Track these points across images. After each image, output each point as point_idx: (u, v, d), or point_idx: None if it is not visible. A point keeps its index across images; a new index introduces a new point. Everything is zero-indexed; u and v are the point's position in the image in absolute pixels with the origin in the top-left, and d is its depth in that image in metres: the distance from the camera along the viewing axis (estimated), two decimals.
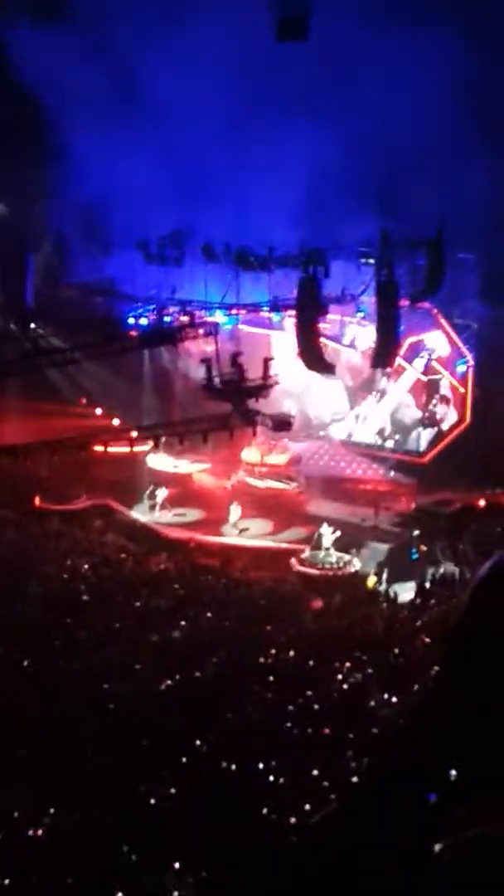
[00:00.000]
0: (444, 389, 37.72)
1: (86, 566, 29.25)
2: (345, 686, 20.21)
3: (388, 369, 35.06)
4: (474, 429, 36.35)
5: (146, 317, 35.14)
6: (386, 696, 19.03)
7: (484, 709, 3.54)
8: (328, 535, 31.85)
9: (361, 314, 35.28)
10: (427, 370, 37.77)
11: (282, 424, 31.09)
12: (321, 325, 31.49)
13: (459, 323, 36.33)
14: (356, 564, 31.32)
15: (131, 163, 30.29)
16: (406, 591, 28.53)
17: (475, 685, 3.59)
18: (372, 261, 29.96)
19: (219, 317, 34.10)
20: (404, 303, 30.53)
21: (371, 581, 29.78)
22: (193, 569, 30.23)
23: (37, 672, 20.40)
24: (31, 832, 14.32)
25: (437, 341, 37.25)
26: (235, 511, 34.79)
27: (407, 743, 3.84)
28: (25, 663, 20.83)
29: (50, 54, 29.15)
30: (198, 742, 16.79)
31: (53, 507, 34.66)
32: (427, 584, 28.77)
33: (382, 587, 29.26)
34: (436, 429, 37.91)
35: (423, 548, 31.36)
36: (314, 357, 30.87)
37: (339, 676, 20.68)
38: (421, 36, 27.43)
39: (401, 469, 38.04)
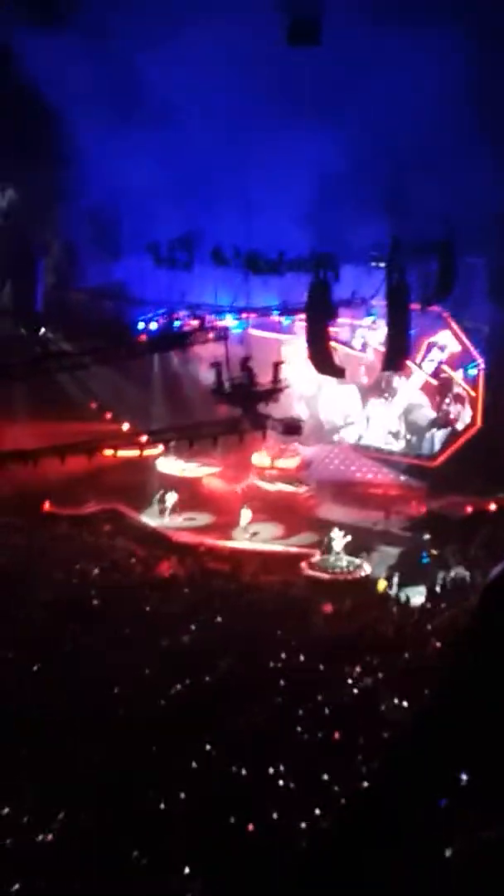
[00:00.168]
0: (458, 388, 37.60)
1: (95, 571, 29.23)
2: (355, 690, 20.12)
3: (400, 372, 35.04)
4: (485, 432, 36.24)
5: (156, 321, 35.14)
6: (397, 700, 18.92)
7: (494, 711, 3.50)
8: (339, 539, 31.78)
9: (372, 318, 35.21)
10: (438, 374, 37.70)
11: (292, 429, 31.00)
12: (331, 329, 31.43)
13: (470, 326, 36.23)
14: (367, 568, 31.26)
15: (140, 167, 30.31)
16: (417, 595, 28.46)
17: (485, 688, 3.54)
18: (382, 264, 29.92)
19: (229, 321, 34.06)
20: (415, 306, 30.49)
21: (382, 585, 29.71)
22: (203, 573, 30.20)
23: (46, 677, 20.33)
24: (39, 837, 14.26)
25: (448, 345, 37.16)
26: (246, 515, 34.75)
27: (417, 747, 3.80)
28: (35, 668, 20.77)
29: (58, 59, 29.16)
30: (207, 746, 16.72)
31: (62, 511, 34.67)
32: (438, 588, 28.68)
33: (393, 591, 29.18)
34: (450, 429, 37.78)
35: (434, 552, 31.25)
36: (325, 361, 30.83)
37: (350, 681, 20.59)
38: (428, 37, 27.36)
39: (411, 473, 37.96)
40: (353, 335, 37.93)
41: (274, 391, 28.81)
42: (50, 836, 14.24)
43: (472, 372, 36.66)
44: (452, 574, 29.37)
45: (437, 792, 3.75)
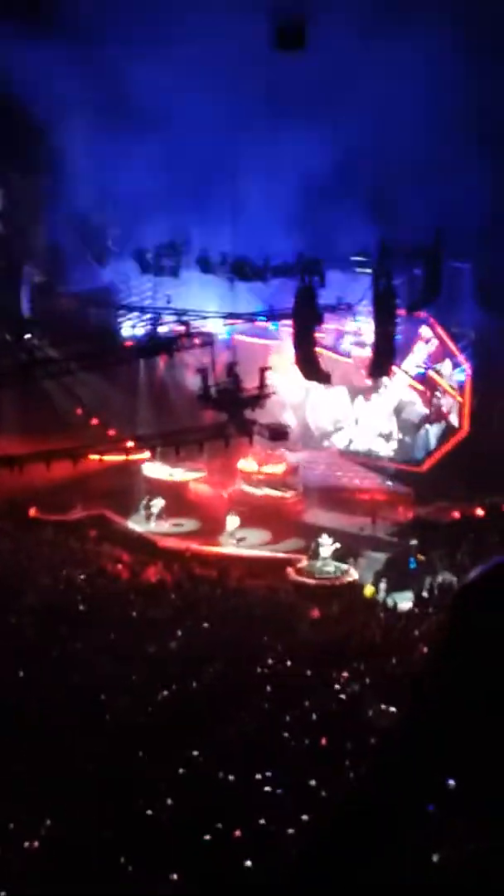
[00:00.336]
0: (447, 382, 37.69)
1: (81, 577, 29.13)
2: (342, 696, 20.11)
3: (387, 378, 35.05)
4: (472, 437, 36.27)
5: (142, 327, 35.12)
6: (384, 706, 18.90)
7: (477, 715, 3.49)
8: (327, 545, 31.74)
9: (358, 324, 35.23)
10: (425, 379, 37.73)
11: (278, 434, 31.02)
12: (318, 335, 31.42)
13: (456, 332, 36.27)
14: (354, 574, 31.23)
15: (127, 173, 30.27)
16: (404, 601, 28.44)
17: (466, 692, 3.53)
18: (368, 270, 29.96)
19: (215, 327, 34.05)
20: (401, 312, 30.51)
21: (369, 590, 29.68)
22: (190, 579, 30.12)
23: (32, 683, 20.25)
24: (27, 844, 14.19)
25: (432, 338, 37.19)
26: (232, 521, 34.69)
27: (404, 753, 3.78)
28: (20, 674, 20.69)
29: (44, 64, 29.11)
30: (194, 752, 16.68)
31: (49, 517, 34.58)
32: (425, 594, 28.67)
33: (380, 596, 29.16)
34: (444, 423, 37.75)
35: (421, 557, 31.24)
36: (311, 366, 30.85)
37: (337, 686, 20.58)
38: (417, 44, 27.42)
39: (398, 478, 37.95)
40: (339, 341, 37.95)
41: (260, 397, 28.82)
42: (36, 844, 14.19)
43: (459, 377, 36.68)
44: (440, 579, 29.36)
45: (426, 798, 3.72)
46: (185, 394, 36.07)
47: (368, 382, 37.35)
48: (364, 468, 38.87)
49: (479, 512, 33.66)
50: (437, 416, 37.98)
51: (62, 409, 38.53)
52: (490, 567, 3.79)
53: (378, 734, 16.93)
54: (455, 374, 36.84)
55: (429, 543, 31.87)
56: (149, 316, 35.11)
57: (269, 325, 35.84)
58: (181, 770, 16.15)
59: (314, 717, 18.69)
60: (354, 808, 3.93)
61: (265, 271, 31.65)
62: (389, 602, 28.40)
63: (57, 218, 34.82)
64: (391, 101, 28.04)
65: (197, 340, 30.33)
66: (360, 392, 39.49)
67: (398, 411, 39.09)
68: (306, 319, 29.68)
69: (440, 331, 36.48)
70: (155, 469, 37.84)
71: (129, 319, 38.30)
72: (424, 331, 36.89)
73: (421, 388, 37.85)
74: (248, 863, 12.83)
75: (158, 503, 36.11)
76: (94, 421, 38.76)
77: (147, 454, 34.61)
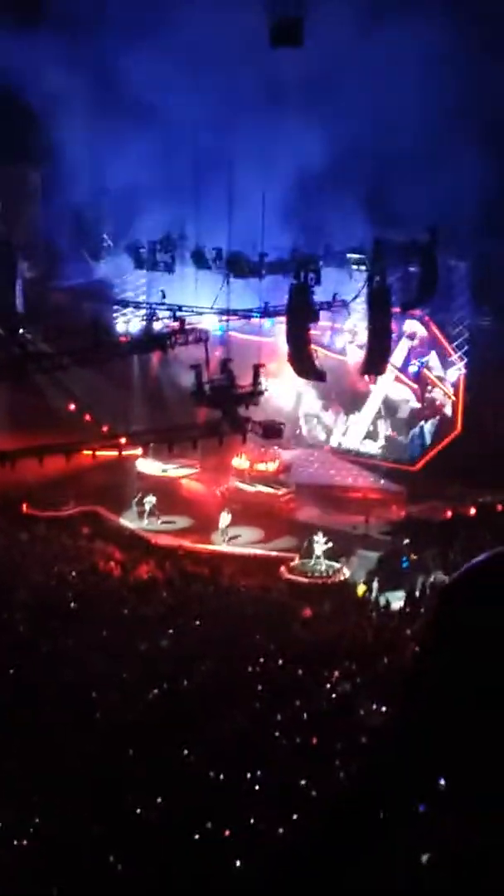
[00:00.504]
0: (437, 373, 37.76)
1: (73, 573, 29.02)
2: (333, 695, 20.04)
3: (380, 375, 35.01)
4: (465, 436, 36.26)
5: (136, 322, 35.02)
6: (375, 705, 18.84)
7: (465, 711, 3.46)
8: (319, 544, 31.67)
9: (353, 322, 35.19)
10: (419, 378, 37.74)
11: (272, 431, 30.91)
12: (312, 332, 31.34)
13: (451, 331, 36.26)
14: (346, 573, 31.18)
15: (122, 167, 30.20)
16: (396, 600, 28.36)
17: (454, 689, 3.50)
18: (364, 267, 29.89)
19: (209, 323, 33.95)
20: (396, 310, 30.45)
21: (361, 589, 29.61)
22: (182, 577, 30.02)
23: (22, 680, 20.16)
24: (15, 842, 14.11)
25: (418, 332, 37.20)
26: (225, 518, 34.59)
27: (394, 752, 3.76)
28: (11, 671, 20.60)
29: (38, 57, 29.01)
30: (185, 751, 16.60)
31: (41, 513, 34.47)
32: (417, 593, 28.59)
33: (373, 595, 29.09)
34: (437, 418, 37.72)
35: (414, 556, 31.17)
36: (305, 364, 30.78)
37: (328, 685, 20.51)
38: (413, 42, 27.40)
39: (392, 476, 37.91)
40: (333, 339, 37.92)
41: (254, 394, 28.73)
42: (25, 842, 14.10)
43: (453, 376, 36.69)
44: (432, 579, 29.27)
45: (416, 797, 3.69)
46: (178, 390, 35.96)
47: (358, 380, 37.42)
48: (357, 467, 38.83)
49: (472, 511, 33.63)
50: (431, 411, 37.97)
51: (55, 405, 38.44)
52: (474, 565, 3.78)
53: (369, 734, 16.88)
54: (449, 371, 36.85)
55: (421, 542, 31.81)
56: (143, 311, 34.99)
57: (265, 322, 35.74)
58: (171, 769, 16.07)
59: (305, 716, 18.61)
60: (344, 807, 3.91)
61: (260, 267, 31.52)
62: (382, 601, 28.32)
63: (51, 212, 34.71)
64: (387, 98, 27.99)
65: (191, 337, 30.17)
66: (351, 393, 39.59)
67: (392, 411, 39.09)
68: (301, 316, 29.59)
69: (434, 329, 36.46)
70: (148, 465, 37.77)
71: (123, 315, 38.22)
72: (409, 326, 36.86)
73: (415, 385, 37.85)
74: (238, 862, 12.75)
75: (151, 500, 36.00)
76: (87, 417, 38.66)
77: (140, 450, 34.52)
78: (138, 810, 14.69)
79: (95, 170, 31.01)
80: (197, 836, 13.68)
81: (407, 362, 37.91)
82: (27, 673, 20.49)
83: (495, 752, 3.48)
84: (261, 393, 29.07)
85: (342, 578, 30.94)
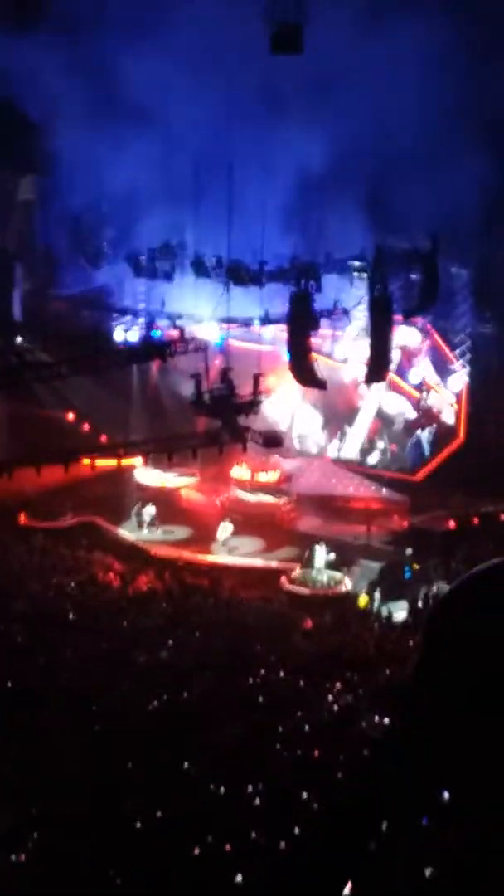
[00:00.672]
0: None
1: (72, 584, 28.89)
2: (335, 707, 19.87)
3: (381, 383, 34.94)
4: (468, 444, 36.16)
5: (136, 331, 34.92)
6: (377, 717, 18.65)
7: (462, 721, 3.43)
8: (321, 554, 31.52)
9: (355, 330, 35.11)
10: (420, 386, 37.68)
11: (272, 441, 30.79)
12: (313, 340, 31.24)
13: (453, 338, 36.18)
14: (347, 583, 31.01)
15: (121, 174, 30.11)
16: (399, 611, 28.21)
17: (450, 700, 3.43)
18: (365, 275, 29.77)
19: (209, 331, 33.85)
20: (398, 318, 30.33)
21: (363, 600, 29.44)
22: (182, 588, 29.87)
23: (21, 691, 19.98)
24: (13, 856, 13.90)
25: (431, 356, 37.15)
26: (225, 529, 34.43)
27: (395, 764, 3.69)
28: (9, 682, 20.42)
29: (36, 64, 28.93)
30: (185, 764, 16.40)
31: (39, 524, 34.32)
32: (420, 604, 28.41)
33: (375, 606, 28.92)
34: (435, 426, 37.59)
35: (416, 566, 31.01)
36: (306, 372, 30.64)
37: (330, 697, 20.35)
38: (414, 46, 27.33)
39: (393, 487, 37.76)
40: (334, 347, 37.84)
41: (254, 403, 28.61)
42: (23, 857, 13.90)
43: (456, 385, 36.61)
44: (435, 589, 29.09)
45: (419, 811, 3.57)
46: (178, 399, 35.85)
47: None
48: (359, 476, 38.68)
49: (475, 521, 33.48)
50: (427, 419, 37.87)
51: (53, 414, 38.29)
52: (472, 574, 3.81)
53: (371, 746, 16.69)
54: (451, 379, 36.79)
55: (424, 553, 31.67)
56: (142, 320, 34.91)
57: (264, 331, 35.66)
58: (171, 781, 15.88)
59: (306, 728, 18.44)
60: (346, 820, 3.84)
61: (260, 275, 31.40)
62: (384, 612, 28.18)
63: (50, 219, 34.63)
64: (387, 102, 27.91)
65: (191, 345, 30.05)
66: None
67: (387, 423, 39.01)
68: (302, 325, 29.47)
69: (436, 336, 36.37)
70: (147, 475, 37.62)
71: (122, 324, 38.10)
72: (404, 333, 36.70)
73: (415, 394, 37.77)
74: (239, 877, 12.55)
75: (150, 510, 35.84)
76: (86, 426, 38.52)
77: (139, 460, 34.39)
78: (138, 823, 14.50)
79: (94, 177, 30.92)
80: (197, 850, 13.48)
81: (404, 370, 37.81)
82: (26, 684, 20.33)
83: (496, 762, 3.38)
84: (260, 402, 28.95)
85: (344, 589, 30.78)
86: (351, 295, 31.26)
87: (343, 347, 38.06)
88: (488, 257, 32.43)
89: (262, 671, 21.75)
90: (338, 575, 31.35)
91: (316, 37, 24.72)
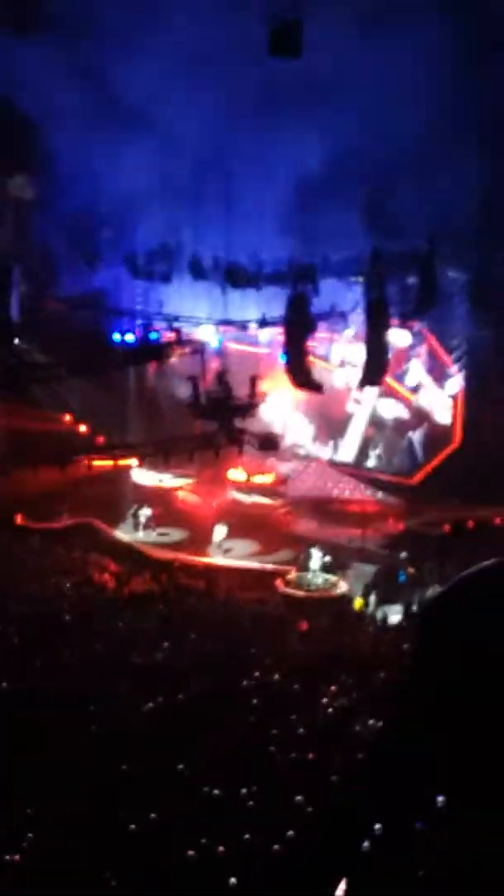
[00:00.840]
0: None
1: (68, 585, 28.89)
2: (330, 710, 19.87)
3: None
4: (464, 448, 36.18)
5: (133, 333, 34.91)
6: (372, 720, 18.67)
7: (451, 727, 3.41)
8: (316, 557, 31.55)
9: (351, 333, 35.13)
10: (415, 388, 37.71)
11: (268, 444, 30.85)
12: (310, 343, 31.28)
13: (449, 343, 36.19)
14: (343, 586, 31.04)
15: (119, 176, 30.09)
16: (394, 614, 28.24)
17: (439, 702, 3.47)
18: (362, 278, 29.84)
19: (206, 334, 33.87)
20: (394, 322, 30.36)
21: (358, 603, 29.48)
22: (177, 590, 29.89)
23: (16, 692, 19.99)
24: (8, 857, 13.91)
25: (427, 360, 37.17)
26: (221, 531, 34.47)
27: (389, 768, 3.76)
28: (5, 684, 20.42)
29: (32, 65, 28.91)
30: (179, 766, 16.41)
31: (36, 525, 34.33)
32: (415, 607, 28.44)
33: (370, 609, 28.95)
34: (426, 426, 37.60)
35: (412, 570, 31.05)
36: (303, 375, 30.68)
37: (325, 700, 20.35)
38: (413, 47, 27.33)
39: (389, 490, 37.79)
40: (330, 350, 37.87)
41: (251, 405, 28.67)
42: (17, 857, 13.91)
43: (452, 389, 36.62)
44: (430, 592, 29.12)
45: (414, 814, 3.63)
46: (175, 401, 35.89)
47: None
48: (354, 480, 38.71)
49: (470, 524, 33.50)
50: (418, 420, 37.90)
51: (50, 416, 38.28)
52: (461, 578, 3.90)
53: (366, 749, 16.71)
54: (448, 383, 36.81)
55: (419, 556, 31.70)
56: (139, 322, 34.91)
57: (260, 333, 35.70)
58: (166, 783, 15.88)
59: (301, 730, 18.44)
60: (341, 823, 3.92)
61: (258, 278, 31.46)
62: (379, 615, 28.21)
63: (48, 221, 34.61)
64: (387, 107, 27.91)
65: (188, 348, 30.12)
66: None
67: (380, 428, 39.02)
68: (299, 327, 29.52)
69: (433, 340, 36.39)
70: (144, 476, 37.64)
71: (120, 325, 38.09)
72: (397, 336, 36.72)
73: (410, 396, 37.79)
74: (233, 879, 12.56)
75: (146, 512, 35.88)
76: (83, 427, 38.53)
77: (135, 461, 34.44)
78: (132, 825, 14.50)
79: (91, 178, 30.89)
80: (191, 852, 13.49)
81: (400, 374, 37.82)
82: (21, 685, 20.33)
83: (485, 765, 3.42)
84: (257, 405, 29.00)
85: (339, 592, 30.81)
86: (348, 298, 31.29)
87: (339, 351, 38.09)
88: (485, 260, 32.38)
89: (258, 673, 21.74)
90: (333, 578, 31.39)
91: (314, 37, 24.70)
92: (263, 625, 26.80)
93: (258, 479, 38.24)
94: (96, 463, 32.01)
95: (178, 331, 31.72)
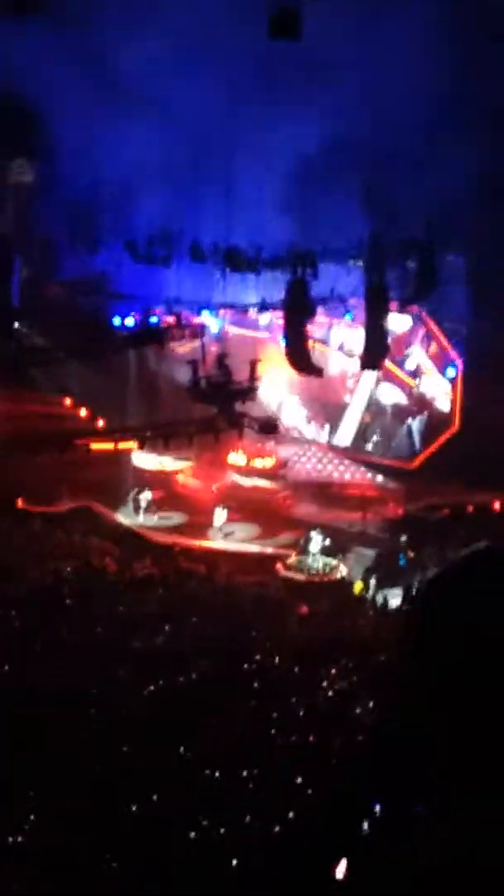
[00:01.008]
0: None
1: (68, 569, 28.92)
2: (330, 693, 19.94)
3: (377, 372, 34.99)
4: (463, 433, 36.17)
5: (132, 317, 34.87)
6: (372, 703, 18.73)
7: (447, 712, 3.49)
8: (316, 541, 31.60)
9: (349, 317, 35.10)
10: (415, 372, 37.70)
11: (268, 427, 30.88)
12: (309, 328, 31.28)
13: (449, 327, 36.15)
14: (343, 570, 31.10)
15: (119, 159, 29.99)
16: (394, 598, 28.31)
17: (437, 684, 3.48)
18: (361, 263, 29.81)
19: (206, 318, 33.86)
20: (394, 306, 30.33)
21: (358, 587, 29.54)
22: (178, 573, 29.93)
23: (17, 677, 20.04)
24: (10, 839, 13.99)
25: (426, 345, 37.15)
26: (221, 514, 34.52)
27: (393, 750, 3.75)
28: (5, 667, 20.47)
29: (31, 47, 28.76)
30: (181, 749, 16.48)
31: (36, 508, 34.35)
32: (414, 591, 28.51)
33: (370, 593, 29.01)
34: (426, 413, 37.61)
35: (412, 553, 31.11)
36: (302, 360, 30.68)
37: (325, 683, 20.40)
38: (412, 29, 27.23)
39: (389, 474, 37.82)
40: (329, 334, 37.85)
41: (250, 389, 28.68)
42: (20, 839, 13.98)
43: (451, 373, 36.58)
44: (429, 576, 29.18)
45: (414, 797, 3.64)
46: (174, 385, 35.89)
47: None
48: (354, 464, 38.75)
49: (470, 508, 33.57)
50: (419, 407, 37.89)
51: (50, 400, 38.26)
52: (454, 562, 3.87)
53: (366, 732, 16.77)
54: (446, 369, 36.78)
55: (419, 540, 31.76)
56: (139, 306, 34.88)
57: (260, 317, 35.71)
58: (167, 766, 15.95)
59: (301, 713, 18.51)
60: (340, 806, 3.91)
61: (257, 262, 31.41)
62: (379, 599, 28.26)
63: (48, 205, 34.51)
64: (386, 88, 27.79)
65: (187, 332, 30.13)
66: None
67: (379, 413, 39.02)
68: (298, 312, 29.51)
69: (432, 325, 36.36)
70: (143, 458, 37.66)
71: (120, 309, 38.06)
72: (397, 320, 36.68)
73: (410, 381, 37.79)
74: (234, 861, 12.65)
75: (147, 496, 35.93)
76: (83, 411, 38.53)
77: (135, 444, 34.49)
78: (133, 807, 14.57)
79: (92, 162, 30.79)
80: (192, 834, 13.57)
81: (399, 358, 37.81)
82: (21, 669, 20.38)
83: (487, 746, 3.44)
84: (257, 389, 29.01)
85: (339, 576, 30.88)
86: (347, 283, 31.26)
87: (338, 335, 38.06)
88: (485, 245, 32.33)
89: (258, 657, 21.80)
90: (333, 561, 31.46)
91: (314, 21, 24.60)
92: (264, 608, 26.84)
93: (258, 463, 38.29)
94: (96, 446, 31.98)
95: (177, 315, 31.73)
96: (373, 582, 29.59)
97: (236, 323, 36.89)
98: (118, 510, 35.95)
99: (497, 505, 33.65)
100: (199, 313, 34.07)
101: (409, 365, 37.80)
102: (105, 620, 24.32)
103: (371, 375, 37.34)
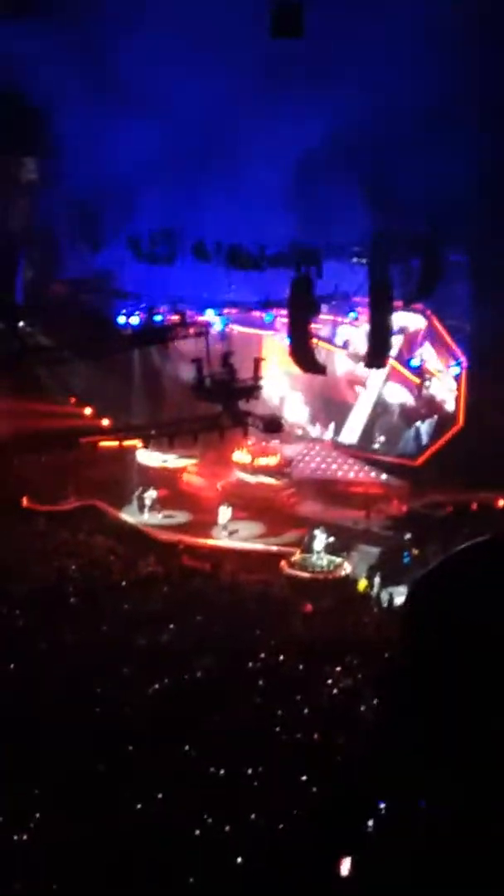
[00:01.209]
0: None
1: (73, 567, 28.95)
2: (335, 691, 19.95)
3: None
4: (467, 431, 36.13)
5: (137, 315, 34.88)
6: (377, 701, 18.73)
7: (443, 705, 3.54)
8: (320, 539, 31.60)
9: (354, 315, 35.08)
10: (420, 372, 37.65)
11: (272, 425, 30.88)
12: (313, 326, 31.28)
13: (453, 325, 36.11)
14: (347, 568, 31.10)
15: (122, 157, 29.97)
16: (398, 595, 28.27)
17: (431, 684, 3.50)
18: (365, 260, 29.80)
19: (210, 316, 33.85)
20: (398, 304, 30.32)
21: (362, 585, 29.54)
22: (182, 572, 29.95)
23: (22, 675, 20.06)
24: (15, 837, 14.01)
25: (409, 325, 37.09)
26: (225, 513, 34.53)
27: (396, 746, 3.75)
28: (11, 666, 20.50)
29: (36, 46, 28.76)
30: (185, 746, 16.50)
31: (41, 507, 34.37)
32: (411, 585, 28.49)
33: (374, 591, 29.01)
34: (436, 416, 37.57)
35: (416, 551, 31.10)
36: (307, 358, 30.69)
37: (330, 681, 20.42)
38: (415, 24, 27.21)
39: (393, 471, 37.81)
40: (334, 333, 37.82)
41: (255, 388, 28.68)
42: (25, 837, 14.01)
43: (455, 371, 36.54)
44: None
45: (418, 793, 3.65)
46: (179, 384, 35.91)
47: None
48: (359, 461, 38.73)
49: (474, 506, 33.54)
50: (428, 409, 37.87)
51: (55, 399, 38.29)
52: (448, 557, 3.98)
53: (371, 729, 16.77)
54: (451, 367, 36.75)
55: (423, 538, 31.73)
56: (143, 304, 34.89)
57: (265, 316, 35.70)
58: (172, 764, 15.97)
59: (306, 711, 18.53)
60: (344, 803, 3.92)
61: (261, 260, 31.41)
62: (383, 596, 28.24)
63: (52, 203, 34.52)
64: (390, 86, 27.75)
65: (192, 330, 30.14)
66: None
67: (386, 413, 39.01)
68: (302, 310, 29.51)
69: (436, 323, 36.34)
70: (148, 456, 37.68)
71: (124, 307, 38.09)
72: (403, 319, 36.65)
73: (416, 380, 37.75)
74: (239, 858, 12.67)
75: (151, 494, 35.96)
76: (88, 410, 38.55)
77: (140, 442, 34.50)
78: (138, 805, 14.60)
79: (95, 160, 30.76)
80: (197, 832, 13.59)
81: (405, 357, 37.79)
82: (27, 667, 20.40)
83: (484, 740, 3.44)
84: (261, 387, 29.02)
85: (343, 574, 30.87)
86: (352, 280, 31.25)
87: (343, 333, 38.05)
88: (489, 241, 32.29)
89: (262, 655, 21.82)
90: (337, 559, 31.45)
91: (317, 15, 24.57)
92: (268, 606, 26.87)
93: (263, 461, 38.30)
94: (101, 444, 31.99)
95: (182, 313, 31.74)
96: (377, 580, 29.56)
97: (241, 321, 36.88)
98: (123, 508, 35.97)
99: (501, 502, 33.60)
100: (203, 311, 34.03)
101: (415, 362, 37.74)
102: (110, 618, 24.36)
103: (379, 374, 37.30)
